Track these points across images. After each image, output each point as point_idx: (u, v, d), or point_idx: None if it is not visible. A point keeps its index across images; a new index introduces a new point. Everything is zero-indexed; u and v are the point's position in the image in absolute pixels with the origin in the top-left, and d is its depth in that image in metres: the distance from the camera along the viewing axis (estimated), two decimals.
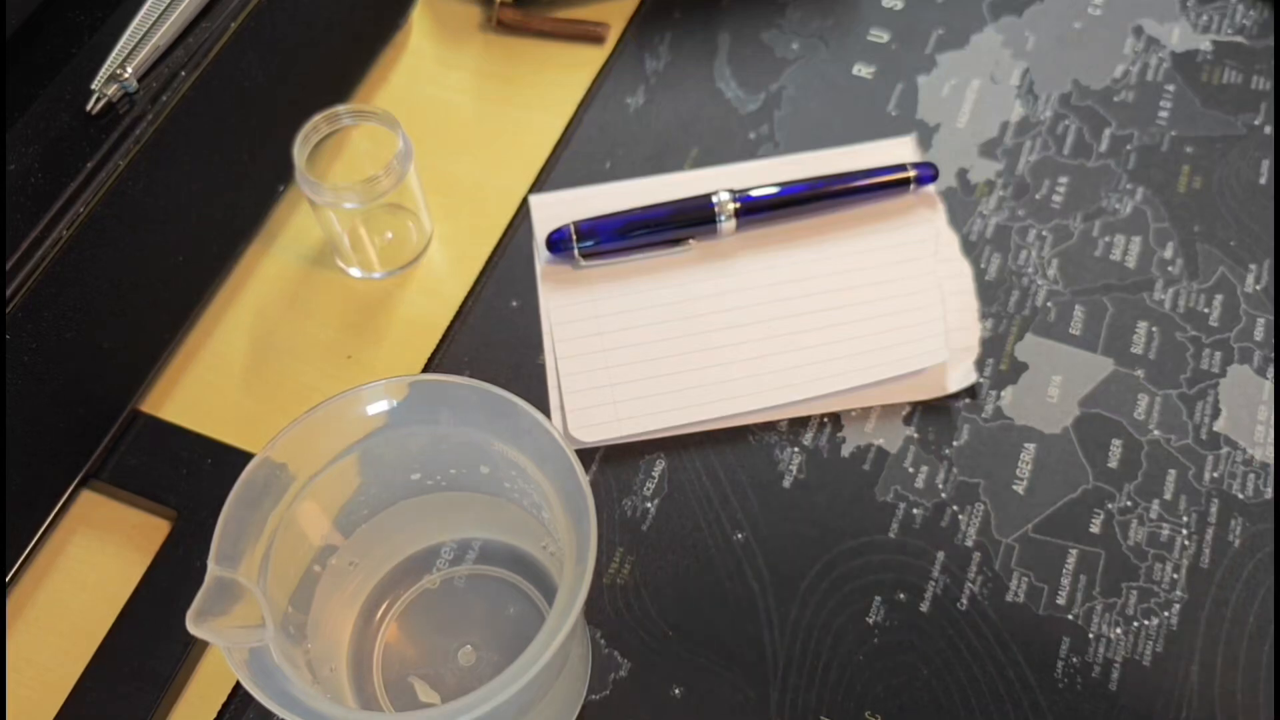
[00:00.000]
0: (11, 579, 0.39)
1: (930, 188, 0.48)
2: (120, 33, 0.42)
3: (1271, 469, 0.41)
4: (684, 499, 0.42)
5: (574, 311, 0.46)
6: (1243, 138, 0.49)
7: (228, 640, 0.29)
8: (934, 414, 0.43)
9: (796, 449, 0.42)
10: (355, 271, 0.47)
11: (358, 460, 0.34)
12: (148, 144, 0.41)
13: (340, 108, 0.44)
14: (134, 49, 0.42)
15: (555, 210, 0.48)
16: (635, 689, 0.38)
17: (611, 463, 0.42)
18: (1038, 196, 0.48)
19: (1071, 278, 0.46)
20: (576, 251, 0.46)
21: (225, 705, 0.38)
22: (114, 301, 0.41)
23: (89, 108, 0.41)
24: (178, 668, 0.38)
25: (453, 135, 0.51)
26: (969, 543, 0.40)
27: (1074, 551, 0.40)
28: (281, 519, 0.32)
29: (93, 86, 0.41)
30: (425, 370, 0.45)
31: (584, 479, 0.30)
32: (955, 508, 0.41)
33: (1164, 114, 0.50)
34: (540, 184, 0.50)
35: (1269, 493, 0.41)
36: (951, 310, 0.45)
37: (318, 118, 0.44)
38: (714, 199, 0.46)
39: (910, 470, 0.42)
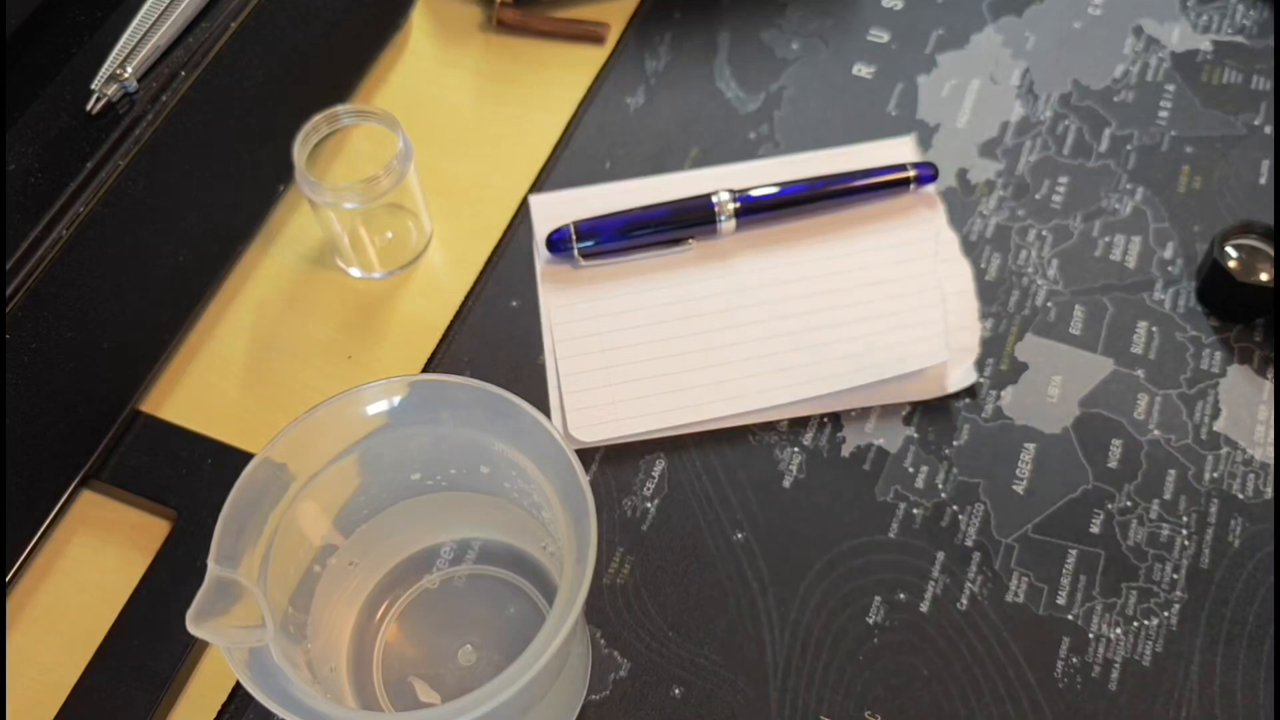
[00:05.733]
0: (11, 579, 0.39)
1: (930, 188, 0.48)
2: (120, 33, 0.42)
3: (1271, 469, 0.41)
4: (684, 499, 0.42)
5: (574, 311, 0.46)
6: (1243, 138, 0.49)
7: (228, 640, 0.29)
8: (934, 414, 0.43)
9: (796, 449, 0.42)
10: (355, 271, 0.47)
11: (358, 460, 0.34)
12: (148, 144, 0.41)
13: (340, 108, 0.44)
14: (134, 49, 0.42)
15: (555, 210, 0.48)
16: (635, 689, 0.38)
17: (611, 463, 0.42)
18: (1038, 196, 0.48)
19: (1071, 278, 0.46)
20: (576, 251, 0.46)
21: (225, 705, 0.38)
22: (114, 301, 0.41)
23: (89, 108, 0.41)
24: (178, 668, 0.38)
25: (453, 135, 0.51)
26: (969, 543, 0.40)
27: (1074, 551, 0.40)
28: (281, 519, 0.32)
29: (93, 86, 0.41)
30: (425, 370, 0.45)
31: (584, 479, 0.30)
32: (955, 508, 0.41)
33: (1164, 114, 0.50)
34: (540, 184, 0.50)
35: (1269, 493, 0.41)
36: (951, 310, 0.45)
37: (318, 118, 0.44)
38: (714, 199, 0.46)
39: (910, 470, 0.42)
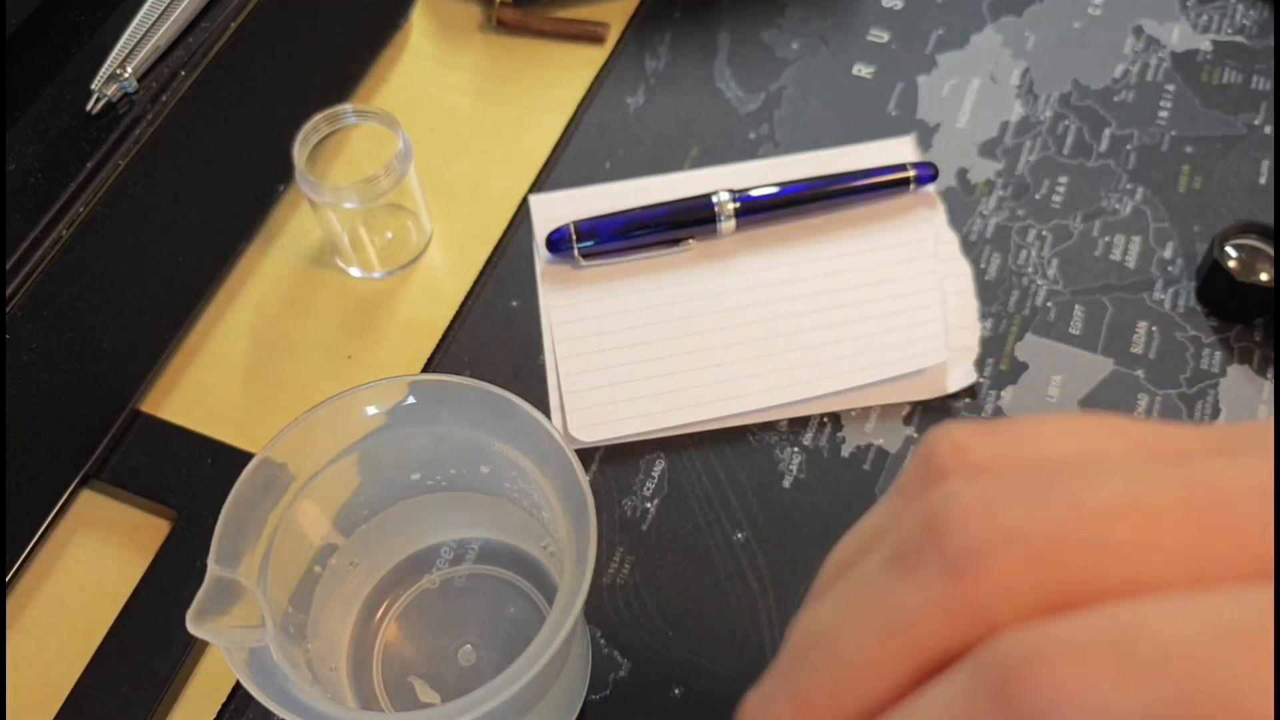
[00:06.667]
0: (11, 579, 0.39)
1: (930, 188, 0.48)
2: (120, 33, 0.42)
3: None
4: (684, 499, 0.42)
5: (574, 311, 0.46)
6: (1243, 138, 0.49)
7: (228, 640, 0.29)
8: (934, 414, 0.43)
9: (796, 449, 0.42)
10: (355, 271, 0.47)
11: (358, 460, 0.34)
12: (148, 144, 0.41)
13: (341, 108, 0.44)
14: (134, 49, 0.42)
15: (555, 210, 0.48)
16: (635, 689, 0.38)
17: (611, 463, 0.42)
18: (1038, 196, 0.48)
19: (1071, 278, 0.46)
20: (576, 251, 0.46)
21: (225, 705, 0.38)
22: (114, 301, 0.41)
23: (89, 108, 0.41)
24: (178, 668, 0.38)
25: (453, 135, 0.51)
26: None
27: None
28: (281, 519, 0.32)
29: (93, 86, 0.41)
30: (425, 370, 0.45)
31: (584, 479, 0.30)
32: None
33: (1164, 114, 0.50)
34: (540, 184, 0.50)
35: None
36: (951, 310, 0.45)
37: (318, 118, 0.44)
38: (714, 199, 0.46)
39: None
